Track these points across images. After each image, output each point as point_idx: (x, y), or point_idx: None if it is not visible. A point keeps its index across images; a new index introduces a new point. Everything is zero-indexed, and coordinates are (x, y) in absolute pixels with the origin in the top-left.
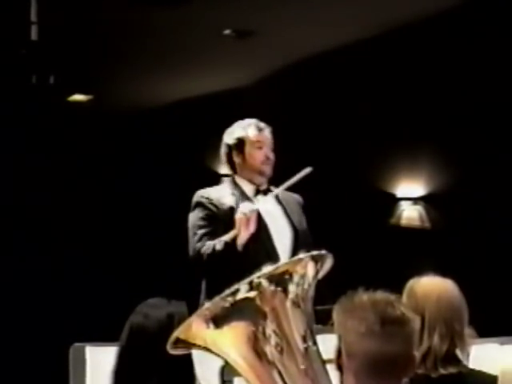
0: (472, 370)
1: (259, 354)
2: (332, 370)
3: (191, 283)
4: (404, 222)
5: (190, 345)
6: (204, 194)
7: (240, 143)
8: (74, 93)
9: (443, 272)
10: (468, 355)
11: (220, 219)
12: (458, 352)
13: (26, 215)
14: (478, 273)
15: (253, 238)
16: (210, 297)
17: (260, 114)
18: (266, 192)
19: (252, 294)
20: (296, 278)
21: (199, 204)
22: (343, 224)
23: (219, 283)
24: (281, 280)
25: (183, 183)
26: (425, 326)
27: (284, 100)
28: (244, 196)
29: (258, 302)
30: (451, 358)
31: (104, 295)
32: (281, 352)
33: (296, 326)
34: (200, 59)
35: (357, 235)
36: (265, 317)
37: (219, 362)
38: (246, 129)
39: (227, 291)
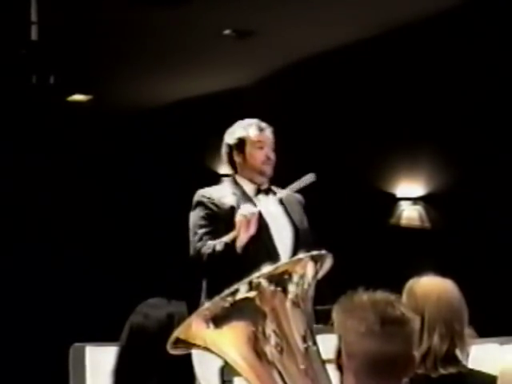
0: (471, 370)
1: (259, 353)
2: (332, 370)
3: (191, 283)
4: (404, 221)
5: (189, 345)
6: (205, 193)
7: (241, 143)
8: (74, 93)
9: (443, 272)
10: (468, 355)
11: (221, 219)
12: (458, 352)
13: (26, 215)
14: (478, 273)
15: (253, 239)
16: (210, 296)
17: (260, 114)
18: (267, 191)
19: (252, 294)
20: (296, 278)
21: (200, 203)
22: (343, 224)
23: (220, 283)
24: (280, 280)
25: (183, 183)
26: (425, 326)
27: (284, 100)
28: (245, 196)
29: (257, 302)
30: (451, 358)
31: (104, 295)
32: (281, 352)
33: (296, 325)
34: (200, 59)
35: (357, 235)
36: (264, 317)
37: (219, 362)
38: (246, 129)
39: (227, 291)
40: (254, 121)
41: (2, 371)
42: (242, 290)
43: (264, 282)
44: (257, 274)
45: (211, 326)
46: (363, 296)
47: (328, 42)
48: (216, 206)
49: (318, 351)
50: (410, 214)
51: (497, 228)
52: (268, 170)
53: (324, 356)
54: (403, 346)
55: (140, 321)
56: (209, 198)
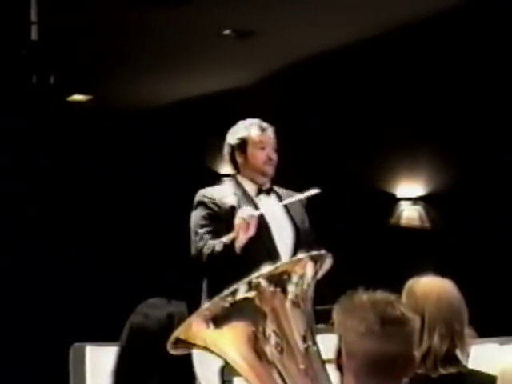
0: (471, 370)
1: (259, 354)
2: (332, 370)
3: (191, 283)
4: (404, 221)
5: (189, 345)
6: (206, 193)
7: (243, 143)
8: (74, 93)
9: (443, 272)
10: (468, 355)
11: (222, 218)
12: (458, 352)
13: (26, 215)
14: (478, 273)
15: (253, 239)
16: (211, 296)
17: (260, 114)
18: (268, 191)
19: (251, 294)
20: (295, 278)
21: (201, 203)
22: (343, 224)
23: (221, 283)
24: (280, 280)
25: (183, 183)
26: (425, 326)
27: (284, 100)
28: (246, 195)
29: (257, 302)
30: (451, 358)
31: (104, 295)
32: (281, 352)
33: (296, 325)
34: (200, 59)
35: (357, 235)
36: (264, 317)
37: (219, 362)
38: (248, 129)
39: (226, 291)
40: (256, 121)
41: (2, 371)
42: (242, 290)
43: (264, 282)
44: (256, 274)
45: (211, 326)
46: (363, 296)
47: (328, 42)
48: (217, 205)
49: (318, 351)
50: (409, 214)
51: (497, 228)
52: (270, 170)
53: (324, 356)
54: (403, 346)
55: (140, 321)
56: (210, 198)
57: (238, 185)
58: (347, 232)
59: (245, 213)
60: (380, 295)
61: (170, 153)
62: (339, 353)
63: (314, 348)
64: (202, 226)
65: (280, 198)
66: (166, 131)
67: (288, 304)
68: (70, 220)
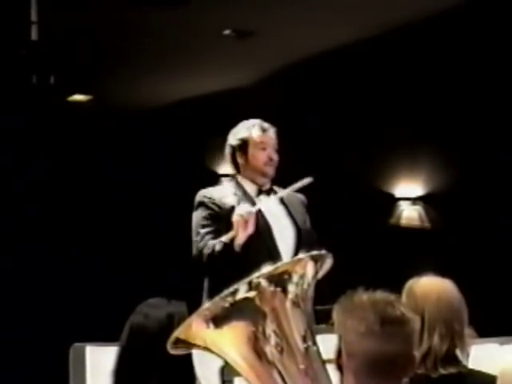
0: (471, 370)
1: (259, 353)
2: (332, 370)
3: (191, 283)
4: (403, 221)
5: (189, 345)
6: (206, 193)
7: (243, 144)
8: (74, 93)
9: (442, 272)
10: (468, 355)
11: (222, 219)
12: (458, 352)
13: (26, 215)
14: (478, 273)
15: (253, 238)
16: (212, 296)
17: (260, 114)
18: (268, 192)
19: (251, 294)
20: (295, 278)
21: (202, 204)
22: (343, 224)
23: (222, 283)
24: (280, 280)
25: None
26: (425, 326)
27: (284, 100)
28: (246, 196)
29: (257, 302)
30: (451, 358)
31: (104, 295)
32: (281, 352)
33: (296, 325)
34: (200, 59)
35: (356, 235)
36: (264, 317)
37: (219, 362)
38: (249, 129)
39: (226, 291)
40: (257, 121)
41: (2, 371)
42: (242, 290)
43: (264, 282)
44: (257, 274)
45: (211, 326)
46: (363, 296)
47: (328, 42)
48: (217, 206)
49: (318, 351)
50: (409, 214)
51: (496, 228)
52: (270, 171)
53: (324, 356)
54: (403, 346)
55: (140, 321)
56: (210, 199)
57: (239, 185)
58: (347, 232)
59: (243, 209)
60: (380, 295)
61: (169, 153)
62: (339, 353)
63: (314, 348)
64: (203, 227)
65: (281, 199)
66: (165, 131)
67: (288, 304)
68: (69, 220)
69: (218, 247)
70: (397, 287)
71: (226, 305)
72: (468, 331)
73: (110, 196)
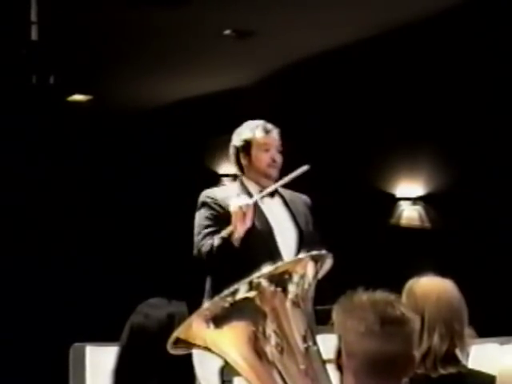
0: (471, 370)
1: (259, 353)
2: (332, 370)
3: (192, 283)
4: (404, 221)
5: (190, 345)
6: (210, 194)
7: (247, 145)
8: (74, 93)
9: (442, 272)
10: (468, 355)
11: (225, 219)
12: (458, 352)
13: (26, 215)
14: (478, 273)
15: (254, 239)
16: (213, 297)
17: (260, 114)
18: (272, 193)
19: (252, 293)
20: (296, 278)
21: (204, 204)
22: (343, 224)
23: (223, 283)
24: (281, 280)
25: (183, 183)
26: (424, 326)
27: (284, 100)
28: (250, 197)
29: (257, 302)
30: (451, 358)
31: (104, 295)
32: (281, 352)
33: (296, 325)
34: (200, 59)
35: (357, 235)
36: (265, 317)
37: (219, 362)
38: (253, 130)
39: (227, 291)
40: (261, 122)
41: (2, 371)
42: (242, 290)
43: (264, 282)
44: (257, 274)
45: (211, 325)
46: (363, 296)
47: (328, 42)
48: (220, 206)
49: (318, 351)
50: (409, 214)
51: (496, 228)
52: (273, 172)
53: (324, 356)
54: (403, 346)
55: (140, 321)
56: (213, 199)
57: (243, 186)
58: (347, 232)
59: (241, 201)
60: (380, 295)
61: (169, 153)
62: (339, 353)
63: (315, 348)
64: (205, 227)
65: (285, 200)
66: (165, 131)
67: (288, 304)
68: (69, 220)
69: (216, 242)
70: (397, 287)
71: (227, 305)
72: (468, 331)
73: (110, 196)
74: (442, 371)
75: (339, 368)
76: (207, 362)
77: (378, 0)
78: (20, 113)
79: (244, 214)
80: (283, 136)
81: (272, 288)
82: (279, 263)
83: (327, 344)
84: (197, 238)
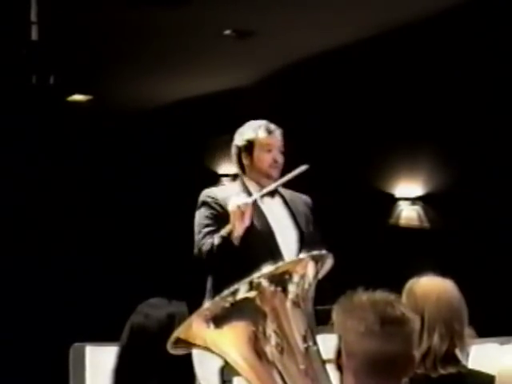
0: (471, 370)
1: (259, 353)
2: (332, 370)
3: (192, 283)
4: (403, 221)
5: (190, 345)
6: (210, 193)
7: (249, 145)
8: (74, 93)
9: (442, 272)
10: (467, 355)
11: (225, 219)
12: (458, 352)
13: (26, 215)
14: (478, 273)
15: (254, 239)
16: (214, 297)
17: (260, 114)
18: (272, 194)
19: (252, 293)
20: (296, 278)
21: (205, 203)
22: (342, 224)
23: (224, 283)
24: (281, 280)
25: (183, 183)
26: (424, 326)
27: (284, 100)
28: (251, 197)
29: (258, 302)
30: (451, 358)
31: (104, 295)
32: (281, 352)
33: (296, 325)
34: (200, 59)
35: (356, 235)
36: (265, 317)
37: (219, 362)
38: (255, 130)
39: (227, 291)
40: (264, 122)
41: (2, 371)
42: (243, 290)
43: (264, 282)
44: (257, 274)
45: (211, 325)
46: (363, 296)
47: (328, 42)
48: (220, 206)
49: (318, 351)
50: (408, 214)
51: (496, 228)
52: (275, 173)
53: (324, 356)
54: (403, 346)
55: (140, 321)
56: (213, 198)
57: (244, 186)
58: (347, 232)
59: (240, 200)
60: (380, 295)
61: (169, 153)
62: (339, 353)
63: (315, 348)
64: (205, 226)
65: (285, 201)
66: (165, 131)
67: (288, 304)
68: (69, 220)
69: (216, 241)
70: (397, 287)
71: (227, 305)
72: (468, 331)
73: (110, 196)
74: (442, 371)
75: (339, 368)
76: (207, 362)
77: (377, 0)
78: (20, 113)
79: (242, 213)
80: (283, 136)
81: (272, 288)
82: (279, 263)
83: (327, 344)
84: (197, 237)
